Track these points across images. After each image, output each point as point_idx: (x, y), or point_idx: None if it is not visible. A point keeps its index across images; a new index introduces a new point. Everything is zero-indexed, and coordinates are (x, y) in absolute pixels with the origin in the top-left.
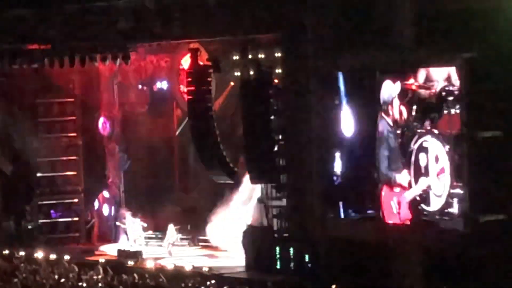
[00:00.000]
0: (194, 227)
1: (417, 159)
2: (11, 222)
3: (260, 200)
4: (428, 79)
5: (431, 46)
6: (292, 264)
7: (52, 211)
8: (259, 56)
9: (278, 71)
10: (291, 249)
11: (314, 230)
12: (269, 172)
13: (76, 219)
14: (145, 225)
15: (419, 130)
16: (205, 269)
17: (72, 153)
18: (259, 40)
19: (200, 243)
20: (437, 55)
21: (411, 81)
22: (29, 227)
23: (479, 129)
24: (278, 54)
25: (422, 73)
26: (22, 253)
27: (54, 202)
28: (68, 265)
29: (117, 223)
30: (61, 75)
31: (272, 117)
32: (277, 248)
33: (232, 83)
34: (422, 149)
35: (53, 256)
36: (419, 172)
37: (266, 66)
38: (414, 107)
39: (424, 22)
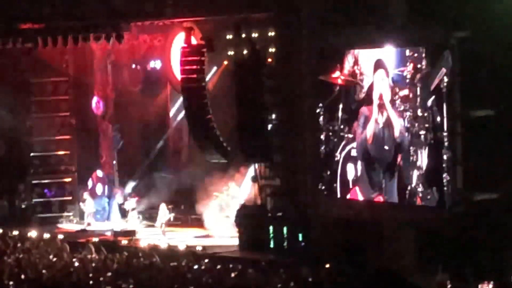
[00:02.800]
0: (187, 206)
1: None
2: (5, 202)
3: (253, 179)
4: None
5: (424, 25)
6: (285, 243)
7: (46, 190)
8: (253, 35)
9: (272, 50)
10: (285, 228)
11: (307, 209)
12: (262, 151)
13: (70, 198)
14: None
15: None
16: (199, 248)
17: (66, 133)
18: (252, 19)
19: (194, 222)
20: (430, 34)
21: (337, 73)
22: (23, 206)
23: (472, 108)
24: (271, 33)
25: (348, 61)
26: (15, 232)
27: (48, 181)
28: (61, 245)
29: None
30: (55, 55)
31: (265, 96)
32: (271, 227)
33: (225, 62)
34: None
35: (46, 236)
36: None
37: (259, 45)
38: (340, 106)
39: (418, 1)
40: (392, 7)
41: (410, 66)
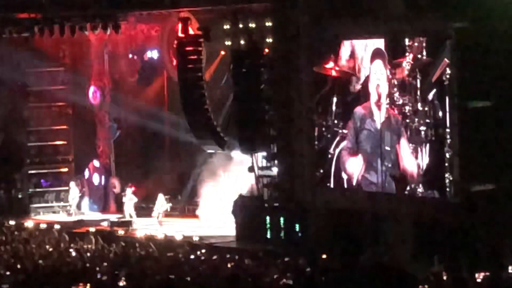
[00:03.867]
0: (184, 196)
1: None
2: (1, 191)
3: (250, 170)
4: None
5: (422, 15)
6: (282, 234)
7: (42, 180)
8: (250, 25)
9: (269, 40)
10: (281, 219)
11: (304, 199)
12: (259, 142)
13: (66, 188)
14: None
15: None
16: (195, 238)
17: (62, 123)
18: (249, 9)
19: (190, 213)
20: (429, 24)
21: (330, 64)
22: (19, 196)
23: (469, 99)
24: (268, 23)
25: (345, 52)
26: (12, 222)
27: (44, 171)
28: (58, 235)
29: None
30: (51, 45)
31: (262, 87)
32: (267, 218)
33: (222, 53)
34: None
35: (43, 226)
36: None
37: (256, 36)
38: (335, 99)
39: None
40: None
41: (409, 56)
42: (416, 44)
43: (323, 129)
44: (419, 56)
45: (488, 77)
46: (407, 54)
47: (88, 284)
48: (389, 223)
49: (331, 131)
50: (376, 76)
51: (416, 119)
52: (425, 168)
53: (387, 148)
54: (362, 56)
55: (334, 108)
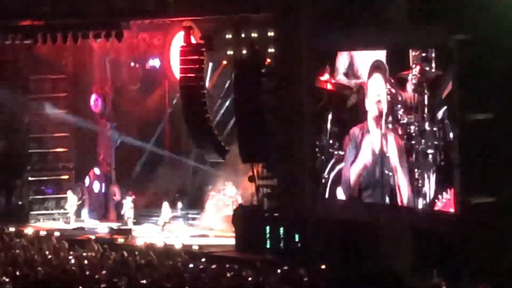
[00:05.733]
0: (185, 205)
1: None
2: (1, 198)
3: (250, 179)
4: (351, 72)
5: (424, 26)
6: (281, 244)
7: (43, 187)
8: (252, 35)
9: (271, 50)
10: (281, 229)
11: (304, 209)
12: (260, 152)
13: (67, 195)
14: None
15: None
16: (195, 247)
17: (64, 130)
18: (252, 19)
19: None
20: (430, 36)
21: (326, 76)
22: (19, 203)
23: (471, 111)
24: (271, 34)
25: (342, 63)
26: (12, 229)
27: (45, 178)
28: (57, 242)
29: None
30: (54, 52)
31: (264, 97)
32: (267, 228)
33: (224, 62)
34: None
35: (43, 233)
36: None
37: (258, 46)
38: (330, 116)
39: (418, 2)
40: (393, 7)
41: (416, 69)
42: (423, 55)
43: (317, 149)
44: (427, 68)
45: (490, 89)
46: (413, 66)
47: None
48: (388, 235)
49: (326, 152)
50: (375, 92)
51: (423, 141)
52: (432, 197)
53: (388, 173)
54: (361, 69)
55: (329, 126)
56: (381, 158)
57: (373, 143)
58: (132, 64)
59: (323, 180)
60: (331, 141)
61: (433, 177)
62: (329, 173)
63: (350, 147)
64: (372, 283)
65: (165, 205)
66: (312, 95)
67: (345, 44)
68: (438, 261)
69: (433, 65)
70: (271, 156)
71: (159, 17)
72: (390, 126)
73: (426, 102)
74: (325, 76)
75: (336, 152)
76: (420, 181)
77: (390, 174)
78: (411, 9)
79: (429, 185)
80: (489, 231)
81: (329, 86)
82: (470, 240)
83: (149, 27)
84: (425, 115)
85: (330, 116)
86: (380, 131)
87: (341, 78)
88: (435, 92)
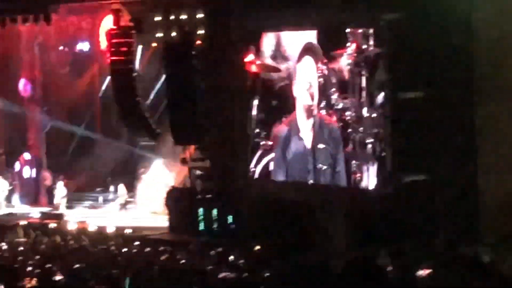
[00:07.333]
0: (120, 188)
1: None
2: None
3: (183, 161)
4: (279, 55)
5: (355, 6)
6: (215, 226)
7: None
8: (182, 17)
9: (201, 32)
10: (214, 211)
11: (237, 191)
12: (192, 134)
13: None
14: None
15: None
16: (128, 230)
17: None
18: (181, 1)
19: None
20: (361, 14)
21: (250, 56)
22: None
23: (401, 90)
24: (200, 15)
25: (269, 44)
26: None
27: None
28: None
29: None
30: None
31: (194, 79)
32: (200, 210)
33: (154, 45)
34: None
35: None
36: None
37: (188, 27)
38: (256, 102)
39: None
40: None
41: (351, 47)
42: (360, 31)
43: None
44: (365, 46)
45: (420, 68)
46: (348, 44)
47: (35, 279)
48: (324, 214)
49: (252, 143)
50: (306, 77)
51: (361, 129)
52: (373, 191)
53: (323, 166)
54: (291, 52)
55: (254, 113)
56: (313, 153)
57: (304, 138)
58: (61, 47)
59: (250, 173)
60: (257, 130)
61: (373, 169)
62: (256, 166)
63: (278, 148)
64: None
65: (121, 186)
66: (240, 77)
67: (271, 24)
68: (372, 240)
69: (371, 42)
70: (203, 138)
71: (88, 0)
72: (323, 112)
73: (364, 85)
74: (250, 58)
75: (262, 142)
76: (358, 174)
77: (325, 167)
78: None
79: (368, 179)
80: (423, 209)
81: (254, 69)
82: (405, 218)
83: (78, 10)
84: (363, 100)
85: (256, 102)
86: (312, 121)
87: (268, 61)
88: (374, 73)
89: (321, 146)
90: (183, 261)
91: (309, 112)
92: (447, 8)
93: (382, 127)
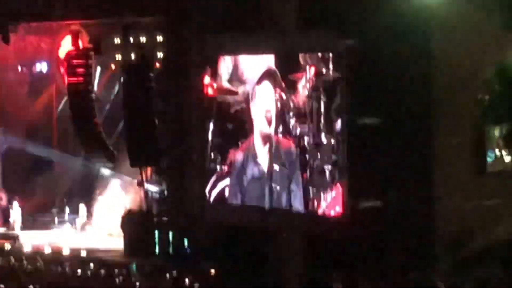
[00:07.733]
0: (74, 210)
1: None
2: None
3: (139, 184)
4: (236, 79)
5: (312, 31)
6: (170, 249)
7: None
8: (141, 39)
9: (160, 54)
10: (170, 234)
11: (193, 214)
12: (148, 156)
13: None
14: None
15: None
16: (83, 252)
17: None
18: (140, 23)
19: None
20: (318, 40)
21: (207, 79)
22: None
23: (359, 115)
24: (159, 38)
25: (225, 68)
26: None
27: None
28: None
29: None
30: None
31: (153, 101)
32: (156, 232)
33: (113, 66)
34: None
35: None
36: None
37: (147, 50)
38: (211, 125)
39: (305, 7)
40: (280, 12)
41: (310, 71)
42: (319, 55)
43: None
44: (324, 70)
45: (377, 94)
46: (307, 68)
47: None
48: (281, 239)
49: (208, 167)
50: (264, 101)
51: (319, 155)
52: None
53: (277, 186)
54: (248, 76)
55: (210, 137)
56: (270, 179)
57: (261, 163)
58: (20, 68)
59: (204, 199)
60: (212, 155)
61: (330, 195)
62: (210, 191)
63: (234, 174)
64: None
65: (82, 206)
66: (198, 101)
67: (228, 48)
68: (333, 265)
69: (331, 66)
70: (160, 161)
71: (47, 20)
72: (280, 137)
73: (322, 110)
74: (207, 80)
75: (218, 167)
76: (315, 202)
77: (279, 188)
78: (299, 14)
79: (325, 204)
80: (378, 234)
81: (210, 91)
82: (359, 243)
83: (37, 30)
84: (321, 125)
85: (211, 125)
86: (268, 146)
87: (225, 84)
88: (333, 98)
89: (277, 167)
90: (138, 283)
91: (266, 137)
92: (405, 36)
93: (341, 154)
